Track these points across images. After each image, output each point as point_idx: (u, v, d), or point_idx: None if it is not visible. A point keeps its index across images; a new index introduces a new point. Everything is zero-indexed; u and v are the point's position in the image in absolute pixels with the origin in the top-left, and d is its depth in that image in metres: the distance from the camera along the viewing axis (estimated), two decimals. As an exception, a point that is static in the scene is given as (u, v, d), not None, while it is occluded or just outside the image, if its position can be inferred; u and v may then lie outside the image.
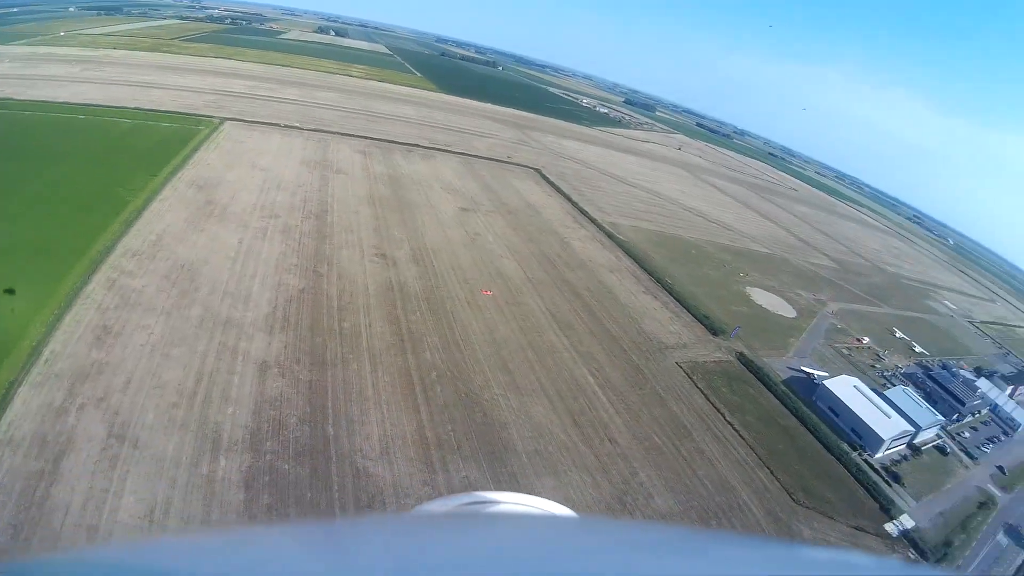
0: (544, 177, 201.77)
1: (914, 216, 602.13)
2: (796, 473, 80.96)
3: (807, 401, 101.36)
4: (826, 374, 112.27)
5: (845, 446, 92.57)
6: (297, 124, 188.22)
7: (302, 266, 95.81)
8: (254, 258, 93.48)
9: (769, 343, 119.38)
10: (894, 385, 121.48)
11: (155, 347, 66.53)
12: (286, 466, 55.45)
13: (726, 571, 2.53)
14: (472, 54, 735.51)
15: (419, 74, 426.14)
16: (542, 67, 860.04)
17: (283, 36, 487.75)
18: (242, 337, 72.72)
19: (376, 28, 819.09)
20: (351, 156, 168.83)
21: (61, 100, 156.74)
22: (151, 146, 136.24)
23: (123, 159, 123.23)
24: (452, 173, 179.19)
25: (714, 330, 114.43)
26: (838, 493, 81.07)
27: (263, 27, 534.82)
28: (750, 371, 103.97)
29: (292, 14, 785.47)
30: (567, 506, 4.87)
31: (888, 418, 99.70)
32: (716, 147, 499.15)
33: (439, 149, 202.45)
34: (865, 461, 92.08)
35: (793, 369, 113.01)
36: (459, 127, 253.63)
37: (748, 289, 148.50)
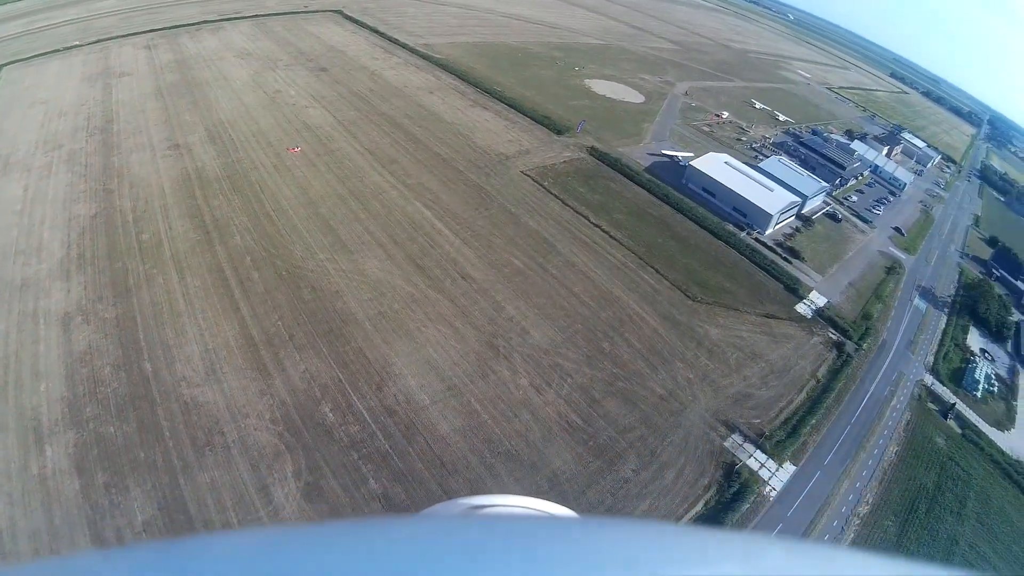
0: (346, 17, 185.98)
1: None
2: (684, 267, 77.16)
3: (677, 186, 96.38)
4: (691, 154, 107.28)
5: (730, 227, 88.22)
6: (76, 43, 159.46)
7: (91, 190, 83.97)
8: (41, 201, 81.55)
9: (621, 132, 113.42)
10: (767, 157, 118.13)
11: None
12: (111, 429, 49.19)
13: (727, 571, 2.50)
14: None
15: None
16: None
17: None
18: (40, 295, 63.65)
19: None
20: (134, 54, 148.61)
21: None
22: None
23: None
24: (243, 38, 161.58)
25: (557, 129, 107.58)
26: (736, 281, 78.26)
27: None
28: (606, 164, 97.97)
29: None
30: (567, 507, 4.79)
31: (771, 191, 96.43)
32: None
33: (227, 19, 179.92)
34: (756, 240, 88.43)
35: (654, 155, 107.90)
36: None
37: (587, 82, 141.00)
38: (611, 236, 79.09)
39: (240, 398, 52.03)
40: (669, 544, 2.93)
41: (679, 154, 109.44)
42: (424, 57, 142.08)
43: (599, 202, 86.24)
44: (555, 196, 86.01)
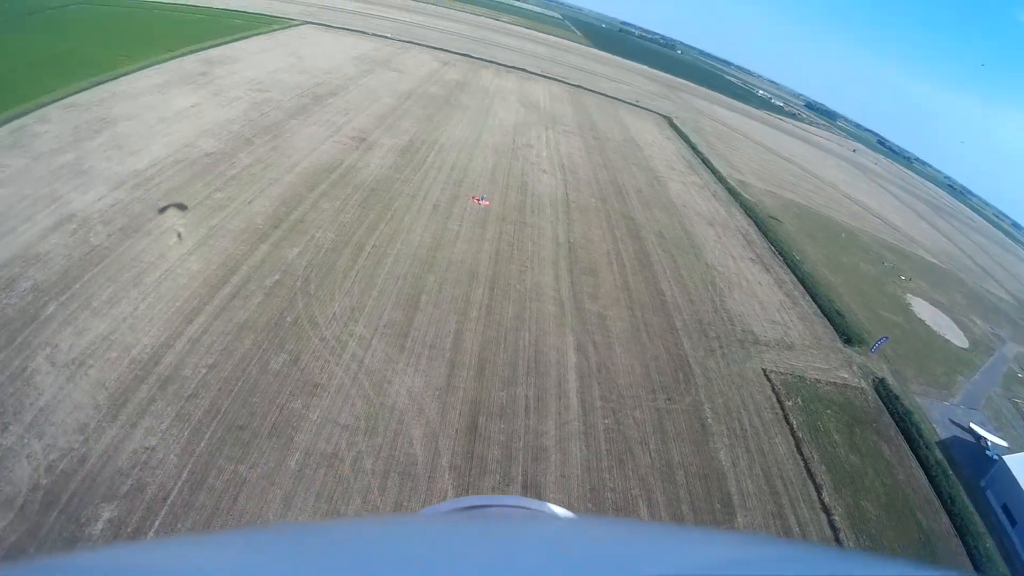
0: (672, 124, 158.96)
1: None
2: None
3: (972, 485, 54.73)
4: (1005, 444, 63.50)
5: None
6: (388, 34, 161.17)
7: (234, 136, 68.89)
8: (170, 124, 68.14)
9: (927, 376, 72.23)
10: None
11: None
12: None
13: (728, 571, 2.42)
14: (655, 37, 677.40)
15: (578, 32, 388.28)
16: (727, 63, 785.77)
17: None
18: None
19: (560, 2, 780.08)
20: (424, 62, 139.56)
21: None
22: (197, 33, 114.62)
23: (153, 39, 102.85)
24: (546, 94, 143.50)
25: (846, 335, 69.35)
26: None
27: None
28: (891, 414, 58.97)
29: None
30: (566, 507, 4.41)
31: None
32: (895, 163, 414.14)
33: (548, 77, 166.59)
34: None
35: (958, 424, 65.71)
36: (592, 71, 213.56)
37: (908, 297, 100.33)
38: (836, 533, 43.09)
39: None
40: (669, 544, 2.87)
41: (990, 437, 65.12)
42: (729, 190, 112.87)
43: (851, 469, 49.32)
44: (790, 430, 51.32)
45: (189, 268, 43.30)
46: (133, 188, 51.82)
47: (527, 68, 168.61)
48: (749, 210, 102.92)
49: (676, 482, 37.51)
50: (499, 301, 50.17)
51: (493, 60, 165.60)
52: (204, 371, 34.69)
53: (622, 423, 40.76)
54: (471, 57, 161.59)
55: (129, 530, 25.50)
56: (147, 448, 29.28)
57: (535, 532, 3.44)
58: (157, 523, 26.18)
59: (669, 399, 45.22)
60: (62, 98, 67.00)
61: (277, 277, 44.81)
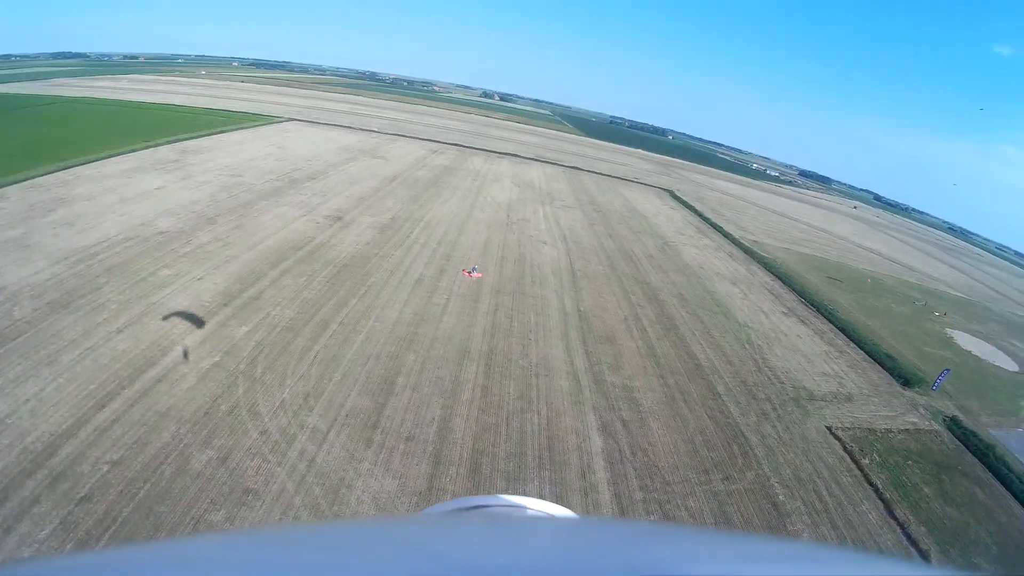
0: (675, 196, 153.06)
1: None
2: None
3: None
4: None
5: None
6: (375, 129, 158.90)
7: (196, 216, 63.09)
8: (130, 204, 63.90)
9: (991, 405, 61.88)
10: None
11: None
12: None
13: (728, 571, 2.35)
14: (646, 126, 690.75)
15: (569, 125, 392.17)
16: (717, 144, 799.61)
17: (442, 94, 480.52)
18: None
19: (550, 103, 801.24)
20: (411, 151, 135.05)
21: (137, 100, 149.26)
22: (178, 127, 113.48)
23: (133, 131, 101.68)
24: (541, 175, 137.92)
25: (904, 378, 59.51)
26: None
27: (425, 89, 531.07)
28: (971, 451, 48.82)
29: (466, 88, 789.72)
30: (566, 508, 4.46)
31: None
32: (895, 214, 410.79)
33: (541, 160, 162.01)
34: None
35: None
36: (586, 155, 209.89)
37: (949, 331, 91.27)
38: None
39: None
40: (668, 544, 2.81)
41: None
42: (744, 250, 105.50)
43: (952, 524, 38.70)
44: (874, 490, 40.59)
45: (114, 347, 35.36)
46: (74, 263, 45.84)
47: (520, 154, 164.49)
48: (769, 266, 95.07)
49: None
50: (497, 380, 40.37)
51: (484, 148, 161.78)
52: (106, 468, 26.10)
53: (672, 517, 30.64)
54: (461, 146, 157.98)
55: None
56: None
57: (535, 532, 3.32)
58: None
59: (727, 478, 35.01)
60: (24, 180, 64.32)
61: (216, 359, 35.85)
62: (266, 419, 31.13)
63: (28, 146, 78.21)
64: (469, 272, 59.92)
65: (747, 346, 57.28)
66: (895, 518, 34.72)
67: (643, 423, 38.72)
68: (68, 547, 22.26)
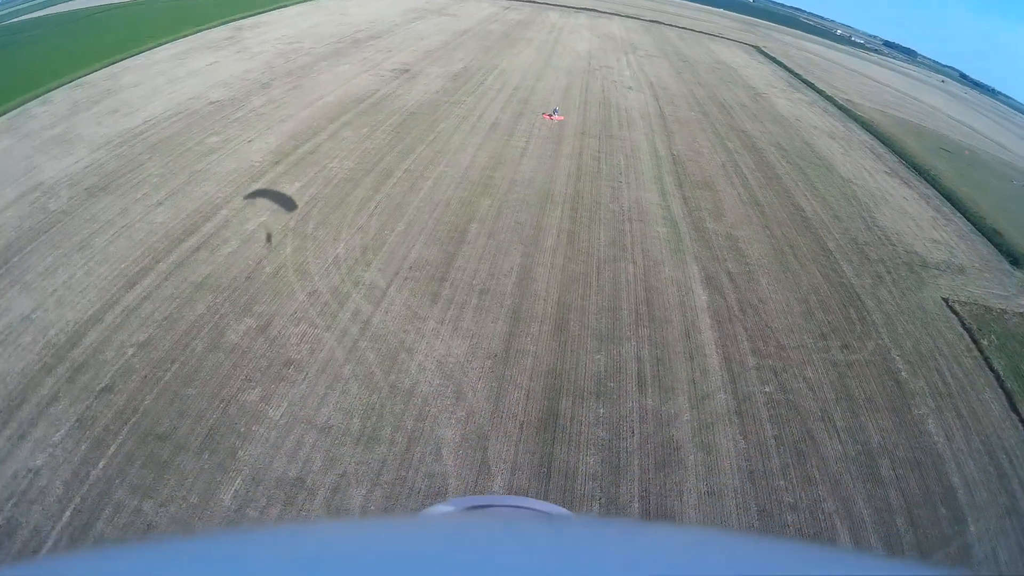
0: (761, 51, 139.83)
1: None
2: None
3: None
4: None
5: None
6: None
7: (249, 83, 58.89)
8: (179, 83, 58.61)
9: None
10: None
11: None
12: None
13: (728, 571, 2.32)
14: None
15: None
16: (799, 9, 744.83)
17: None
18: None
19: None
20: (481, 7, 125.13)
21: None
22: (233, 7, 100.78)
23: (186, 20, 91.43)
24: (621, 27, 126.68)
25: (1013, 256, 52.17)
26: None
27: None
28: None
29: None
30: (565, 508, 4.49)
31: None
32: (982, 94, 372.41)
33: (620, 15, 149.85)
34: None
35: None
36: (667, 11, 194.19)
37: None
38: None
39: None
40: (668, 544, 2.74)
41: None
42: (839, 107, 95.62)
43: None
44: (995, 377, 34.63)
45: (152, 220, 32.05)
46: (117, 146, 42.00)
47: (597, 8, 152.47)
48: (866, 125, 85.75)
49: (882, 480, 22.62)
50: (585, 225, 35.83)
51: (559, 3, 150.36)
52: (130, 352, 23.04)
53: (790, 390, 25.98)
54: (534, 2, 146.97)
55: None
56: (30, 471, 18.66)
57: (535, 532, 3.13)
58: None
59: (846, 347, 30.03)
60: (70, 81, 59.22)
61: (264, 218, 32.32)
62: (316, 279, 27.87)
63: (78, 51, 73.03)
64: (550, 115, 55.34)
65: (854, 203, 50.97)
66: (1018, 414, 29.06)
67: (751, 277, 33.81)
68: (82, 448, 19.45)
